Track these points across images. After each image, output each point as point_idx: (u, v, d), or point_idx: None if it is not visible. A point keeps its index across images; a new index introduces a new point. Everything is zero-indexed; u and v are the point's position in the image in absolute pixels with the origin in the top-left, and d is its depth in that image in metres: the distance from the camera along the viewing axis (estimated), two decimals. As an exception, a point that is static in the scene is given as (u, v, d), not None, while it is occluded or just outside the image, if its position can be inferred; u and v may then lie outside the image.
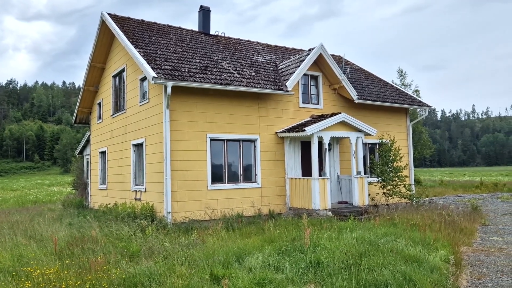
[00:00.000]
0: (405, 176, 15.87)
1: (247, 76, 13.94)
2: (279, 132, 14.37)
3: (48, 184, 58.12)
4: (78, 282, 6.16)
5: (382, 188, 15.43)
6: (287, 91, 14.08)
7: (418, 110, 28.70)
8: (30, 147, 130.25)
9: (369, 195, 15.05)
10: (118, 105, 16.38)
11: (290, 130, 14.18)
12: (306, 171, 14.63)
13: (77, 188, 23.32)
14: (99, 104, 18.59)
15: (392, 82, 36.04)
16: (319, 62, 15.61)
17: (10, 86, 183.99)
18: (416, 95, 37.43)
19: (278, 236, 9.16)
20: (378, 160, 16.24)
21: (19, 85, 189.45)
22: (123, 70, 15.67)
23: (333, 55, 18.82)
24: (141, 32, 14.93)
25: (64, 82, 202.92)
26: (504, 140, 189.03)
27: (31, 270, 6.72)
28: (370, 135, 15.03)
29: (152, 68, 11.92)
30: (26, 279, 6.42)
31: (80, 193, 22.24)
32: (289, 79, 14.30)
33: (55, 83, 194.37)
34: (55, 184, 57.68)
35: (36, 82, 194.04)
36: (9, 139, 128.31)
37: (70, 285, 6.07)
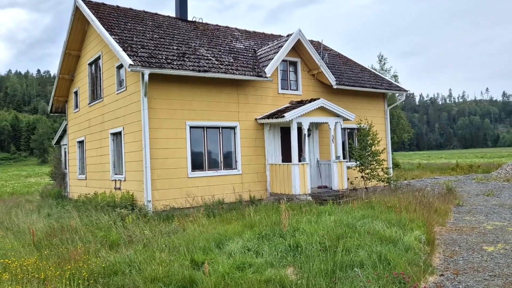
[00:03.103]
0: (383, 160, 16.18)
1: (226, 62, 13.87)
2: (259, 119, 14.41)
3: (25, 175, 56.89)
4: (58, 272, 6.13)
5: (361, 172, 15.71)
6: (266, 77, 14.09)
7: (397, 95, 29.19)
8: (5, 137, 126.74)
9: (348, 179, 15.32)
10: (95, 94, 16.10)
11: (269, 116, 14.23)
12: (286, 156, 14.76)
13: (55, 179, 22.99)
14: (76, 92, 18.23)
15: (372, 68, 36.49)
16: (298, 48, 15.63)
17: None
18: (395, 80, 37.97)
19: (258, 221, 9.27)
20: (357, 144, 16.50)
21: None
22: (99, 58, 15.36)
23: (311, 41, 18.89)
24: (116, 19, 14.62)
25: (38, 71, 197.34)
26: (480, 123, 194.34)
27: (9, 262, 6.65)
28: (348, 120, 15.23)
29: (128, 55, 11.73)
30: (4, 270, 6.35)
31: (58, 184, 21.93)
32: (267, 65, 14.30)
33: (29, 72, 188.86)
34: (32, 175, 56.52)
35: (10, 70, 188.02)
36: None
37: (49, 275, 6.04)
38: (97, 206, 12.16)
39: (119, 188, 13.55)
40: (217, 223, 9.87)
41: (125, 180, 13.28)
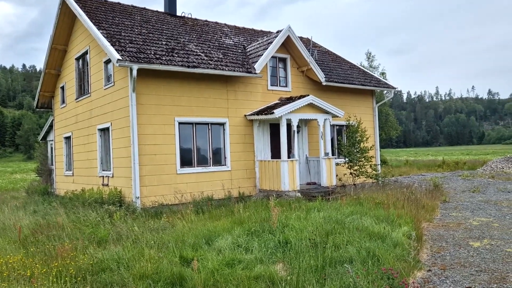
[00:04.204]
0: (371, 156, 16.29)
1: (215, 58, 13.79)
2: (248, 115, 14.38)
3: (10, 172, 55.91)
4: (44, 270, 6.05)
5: (349, 169, 15.80)
6: (255, 73, 14.05)
7: (385, 92, 29.40)
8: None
9: (336, 175, 15.40)
10: (82, 89, 15.89)
11: (259, 112, 14.21)
12: (275, 153, 14.77)
13: (42, 175, 22.65)
14: (62, 88, 17.96)
15: (360, 65, 36.66)
16: (287, 45, 15.62)
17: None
18: (383, 78, 38.17)
19: (248, 218, 9.27)
20: (346, 141, 16.58)
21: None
22: (86, 53, 15.15)
23: (301, 38, 18.88)
24: (104, 13, 14.42)
25: (24, 65, 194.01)
26: (465, 120, 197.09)
27: (-6, 259, 6.54)
28: (337, 117, 15.28)
29: (116, 50, 11.59)
30: (-11, 268, 6.25)
31: (44, 180, 21.61)
32: (257, 61, 14.26)
33: (14, 66, 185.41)
34: (18, 171, 55.56)
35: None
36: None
37: (36, 272, 5.95)
38: (85, 203, 12.02)
39: (107, 185, 13.42)
40: (206, 220, 9.84)
41: (113, 177, 13.14)
